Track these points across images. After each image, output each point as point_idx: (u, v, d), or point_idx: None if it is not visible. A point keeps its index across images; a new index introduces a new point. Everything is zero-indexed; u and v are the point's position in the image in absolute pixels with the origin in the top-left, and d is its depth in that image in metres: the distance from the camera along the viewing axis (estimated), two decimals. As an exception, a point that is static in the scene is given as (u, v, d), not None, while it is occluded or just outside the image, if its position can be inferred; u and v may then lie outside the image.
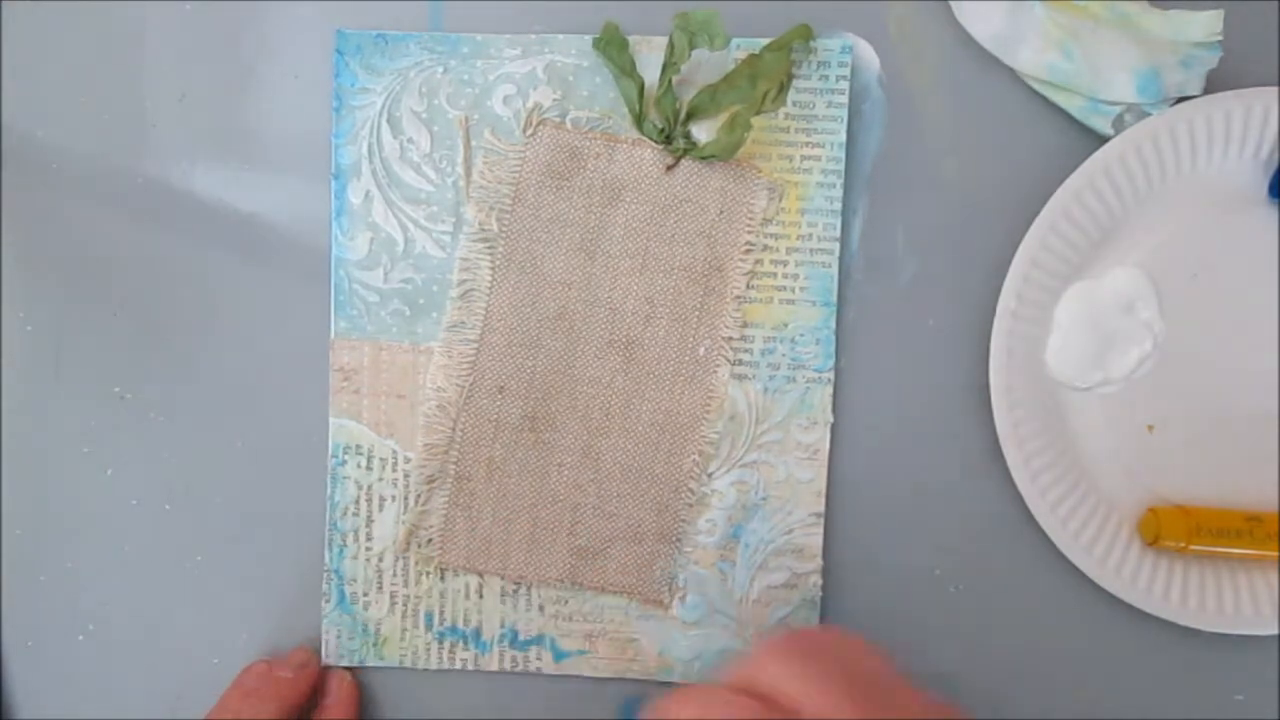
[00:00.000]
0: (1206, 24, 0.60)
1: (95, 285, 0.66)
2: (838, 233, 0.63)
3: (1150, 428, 0.63)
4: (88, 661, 0.68)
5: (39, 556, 0.67)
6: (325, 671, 0.66)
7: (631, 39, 0.62)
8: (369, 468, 0.65)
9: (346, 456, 0.65)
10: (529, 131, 0.63)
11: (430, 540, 0.65)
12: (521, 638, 0.65)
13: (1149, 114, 0.61)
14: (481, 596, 0.65)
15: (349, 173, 0.64)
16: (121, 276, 0.66)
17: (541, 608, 0.65)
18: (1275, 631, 0.62)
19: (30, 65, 0.65)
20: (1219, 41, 0.60)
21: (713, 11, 0.60)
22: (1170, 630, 0.63)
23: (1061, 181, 0.61)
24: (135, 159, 0.65)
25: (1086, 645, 0.64)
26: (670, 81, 0.61)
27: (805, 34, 0.61)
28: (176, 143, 0.65)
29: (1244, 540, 0.61)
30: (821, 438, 0.63)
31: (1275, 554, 0.61)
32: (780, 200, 0.63)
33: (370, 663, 0.66)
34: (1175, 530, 0.61)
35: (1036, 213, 0.61)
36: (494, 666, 0.65)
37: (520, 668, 0.65)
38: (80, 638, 0.68)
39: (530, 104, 0.63)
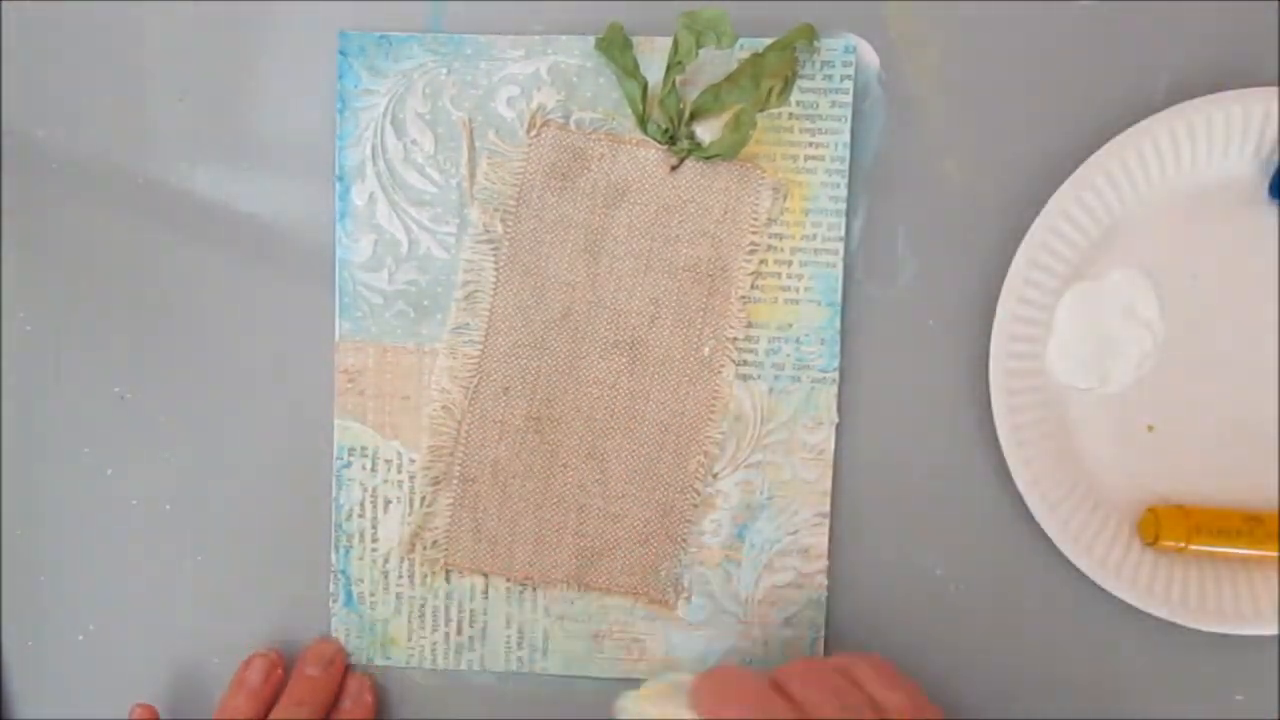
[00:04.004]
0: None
1: (95, 285, 0.66)
2: (842, 232, 0.63)
3: (1150, 428, 0.63)
4: (88, 661, 0.68)
5: (39, 556, 0.67)
6: (345, 671, 0.66)
7: (635, 39, 0.62)
8: (374, 469, 0.65)
9: (351, 458, 0.65)
10: (532, 133, 0.63)
11: (435, 542, 0.65)
12: (527, 638, 0.65)
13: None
14: (487, 597, 0.65)
15: (353, 174, 0.64)
16: (121, 276, 0.66)
17: (547, 609, 0.65)
18: (1275, 631, 0.62)
19: (30, 65, 0.65)
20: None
21: (720, 10, 0.60)
22: (1170, 630, 0.63)
23: (1061, 181, 0.61)
24: (135, 159, 0.65)
25: (1086, 645, 0.64)
26: (674, 81, 0.61)
27: (808, 34, 0.61)
28: (176, 143, 0.65)
29: (1244, 540, 0.61)
30: (827, 438, 0.64)
31: (1275, 554, 0.61)
32: (784, 200, 0.63)
33: (378, 662, 0.66)
34: (1175, 530, 0.61)
35: (1036, 213, 0.61)
36: (500, 667, 0.66)
37: (526, 668, 0.66)
38: (80, 638, 0.68)
39: (534, 105, 0.63)
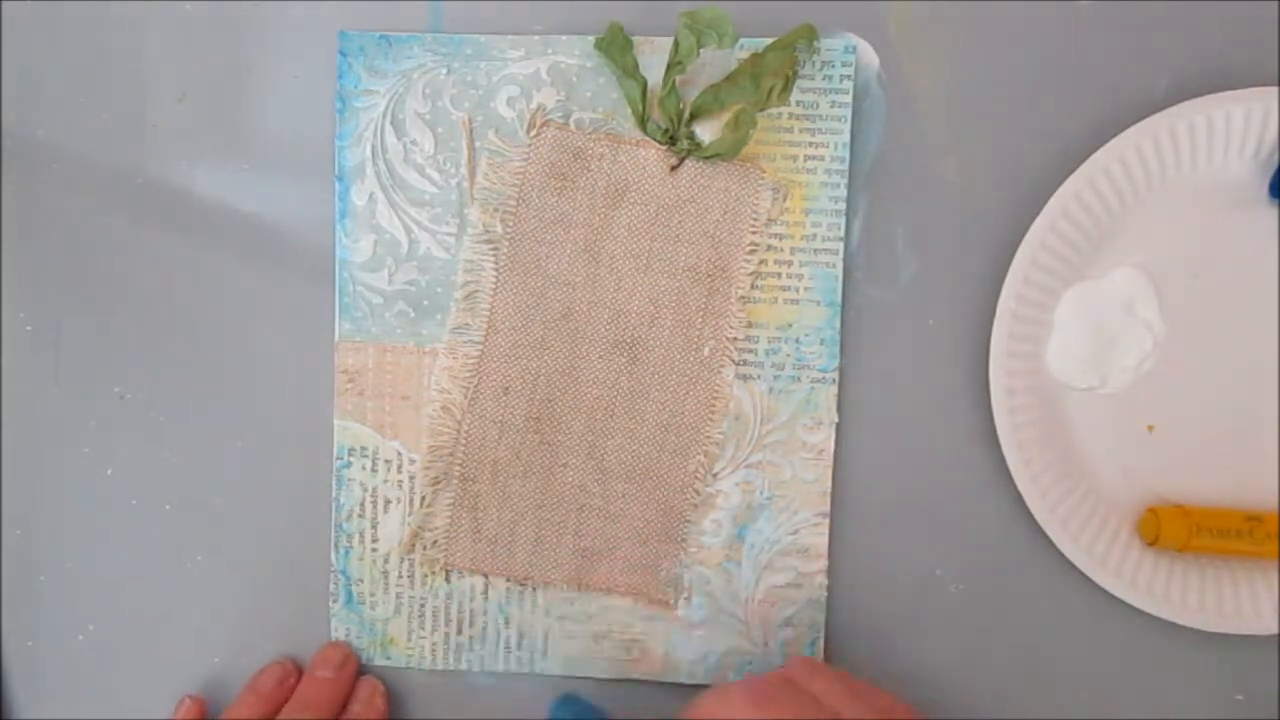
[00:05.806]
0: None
1: (95, 285, 0.66)
2: (842, 232, 0.63)
3: (1150, 428, 0.63)
4: (88, 661, 0.68)
5: (39, 556, 0.67)
6: (356, 675, 0.66)
7: (635, 39, 0.62)
8: (374, 470, 0.65)
9: (351, 458, 0.65)
10: (532, 133, 0.63)
11: (435, 542, 0.65)
12: (527, 639, 0.65)
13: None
14: (487, 597, 0.65)
15: (353, 174, 0.64)
16: (121, 276, 0.66)
17: (547, 609, 0.65)
18: (1275, 631, 0.62)
19: (30, 65, 0.65)
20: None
21: (721, 10, 0.60)
22: (1170, 630, 0.63)
23: (1061, 181, 0.61)
24: (135, 159, 0.65)
25: (1086, 645, 0.64)
26: (674, 81, 0.61)
27: (809, 34, 0.61)
28: (176, 143, 0.65)
29: (1244, 540, 0.61)
30: (826, 438, 0.64)
31: (1275, 554, 0.61)
32: (784, 200, 0.63)
33: (378, 662, 0.66)
34: (1175, 530, 0.61)
35: (1036, 212, 0.61)
36: (499, 667, 0.65)
37: (526, 669, 0.65)
38: (80, 638, 0.68)
39: (534, 105, 0.63)
